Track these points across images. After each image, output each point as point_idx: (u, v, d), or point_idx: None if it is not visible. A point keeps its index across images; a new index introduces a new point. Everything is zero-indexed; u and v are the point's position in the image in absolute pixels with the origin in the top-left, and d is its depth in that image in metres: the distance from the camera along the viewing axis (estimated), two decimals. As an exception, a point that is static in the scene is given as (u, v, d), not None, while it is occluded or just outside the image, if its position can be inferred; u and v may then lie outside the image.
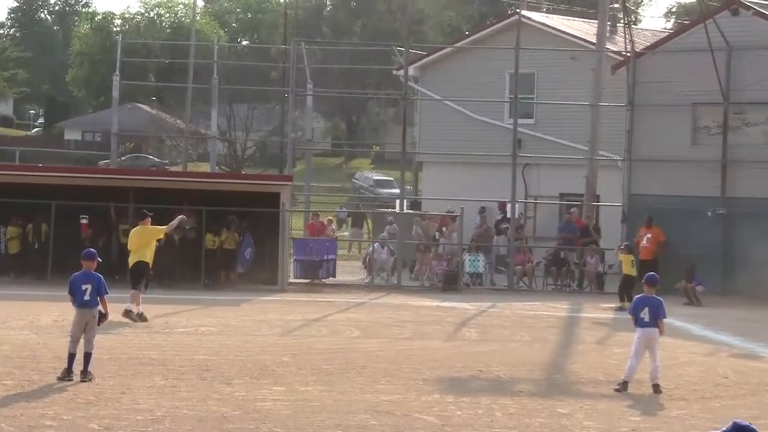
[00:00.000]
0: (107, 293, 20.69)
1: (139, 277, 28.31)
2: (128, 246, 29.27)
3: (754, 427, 9.41)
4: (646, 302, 21.25)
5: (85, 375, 20.14)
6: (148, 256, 28.66)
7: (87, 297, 20.46)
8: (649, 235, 36.43)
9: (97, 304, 20.53)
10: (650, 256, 36.21)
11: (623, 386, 21.00)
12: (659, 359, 21.09)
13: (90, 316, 20.52)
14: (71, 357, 20.25)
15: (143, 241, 28.63)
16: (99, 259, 21.34)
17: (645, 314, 21.03)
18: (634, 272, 33.35)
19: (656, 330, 21.11)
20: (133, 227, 30.10)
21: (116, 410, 17.90)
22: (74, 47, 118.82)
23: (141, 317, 27.96)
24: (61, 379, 19.96)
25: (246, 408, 18.38)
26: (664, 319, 21.27)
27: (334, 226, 46.13)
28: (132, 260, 28.44)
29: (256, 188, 40.41)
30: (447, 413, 18.59)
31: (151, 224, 29.35)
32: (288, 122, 60.69)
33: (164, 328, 27.19)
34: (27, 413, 17.38)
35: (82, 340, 20.40)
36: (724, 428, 9.45)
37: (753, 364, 24.73)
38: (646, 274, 23.23)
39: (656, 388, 20.90)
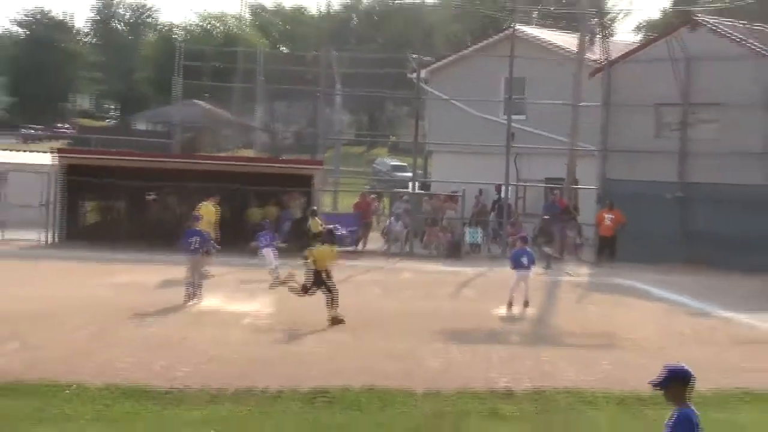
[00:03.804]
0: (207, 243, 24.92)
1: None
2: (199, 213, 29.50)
3: (686, 368, 9.56)
4: (524, 252, 25.23)
5: (199, 298, 23.75)
6: (212, 232, 29.09)
7: (194, 246, 23.97)
8: (612, 216, 36.35)
9: (200, 251, 24.33)
10: (611, 232, 36.22)
11: (509, 306, 24.42)
12: (528, 289, 24.86)
13: (195, 260, 24.08)
14: (190, 287, 23.83)
15: (206, 215, 29.07)
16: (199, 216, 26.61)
17: (524, 260, 24.81)
18: None
19: (530, 271, 25.12)
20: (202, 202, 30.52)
21: (178, 353, 18.08)
22: (143, 52, 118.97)
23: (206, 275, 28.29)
24: (185, 301, 23.54)
25: (287, 353, 18.55)
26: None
27: (377, 203, 46.16)
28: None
29: (292, 171, 40.48)
30: (450, 358, 18.73)
31: (217, 203, 30.48)
32: (319, 117, 60.81)
33: (214, 285, 27.16)
34: (102, 357, 17.56)
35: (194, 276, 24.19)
36: (659, 376, 9.57)
37: (705, 321, 24.75)
38: (521, 235, 28.11)
39: (526, 304, 24.51)
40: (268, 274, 27.92)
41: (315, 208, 34.02)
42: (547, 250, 35.86)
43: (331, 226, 26.02)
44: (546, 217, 39.13)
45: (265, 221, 31.19)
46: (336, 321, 21.41)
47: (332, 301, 21.61)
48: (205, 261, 24.84)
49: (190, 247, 24.17)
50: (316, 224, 31.44)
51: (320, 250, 22.30)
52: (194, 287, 24.00)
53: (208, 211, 29.58)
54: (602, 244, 36.67)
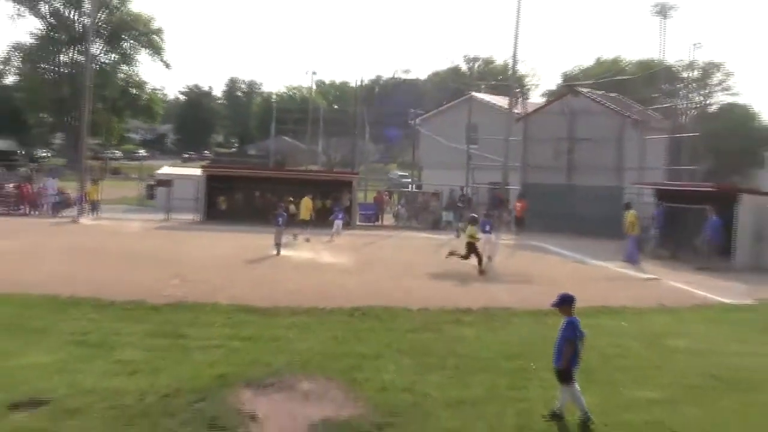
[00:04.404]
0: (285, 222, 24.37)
1: (304, 225, 28.63)
2: (302, 205, 29.12)
3: (572, 295, 9.45)
4: (487, 222, 24.02)
5: (279, 250, 23.30)
6: (307, 215, 28.97)
7: (281, 223, 23.95)
8: (520, 204, 36.23)
9: (284, 225, 24.07)
10: (521, 214, 36.10)
11: (488, 260, 22.51)
12: (494, 251, 23.66)
13: (280, 230, 23.87)
14: (277, 246, 23.46)
15: (305, 206, 29.01)
16: (284, 206, 25.86)
17: (487, 227, 23.33)
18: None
19: (491, 235, 23.39)
20: (301, 198, 30.05)
21: (273, 286, 18.00)
22: (253, 109, 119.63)
23: (296, 238, 27.99)
24: (276, 255, 22.92)
25: (338, 286, 18.44)
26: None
27: (388, 197, 45.87)
28: (302, 215, 28.61)
29: (340, 178, 40.32)
30: (435, 290, 18.61)
31: (312, 198, 30.11)
32: (356, 146, 60.60)
33: (291, 247, 26.98)
34: (229, 288, 17.49)
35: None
36: (555, 299, 9.46)
37: (583, 267, 24.56)
38: (486, 212, 26.86)
39: (490, 258, 22.54)
40: (332, 236, 28.85)
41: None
42: (460, 225, 35.45)
43: (474, 215, 24.05)
44: (459, 203, 39.00)
45: (338, 204, 31.54)
46: (481, 272, 21.03)
47: (480, 260, 21.20)
48: (285, 232, 24.49)
49: (278, 223, 24.05)
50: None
51: (471, 228, 21.92)
52: (279, 247, 23.88)
53: (307, 202, 29.39)
54: (516, 222, 36.57)
